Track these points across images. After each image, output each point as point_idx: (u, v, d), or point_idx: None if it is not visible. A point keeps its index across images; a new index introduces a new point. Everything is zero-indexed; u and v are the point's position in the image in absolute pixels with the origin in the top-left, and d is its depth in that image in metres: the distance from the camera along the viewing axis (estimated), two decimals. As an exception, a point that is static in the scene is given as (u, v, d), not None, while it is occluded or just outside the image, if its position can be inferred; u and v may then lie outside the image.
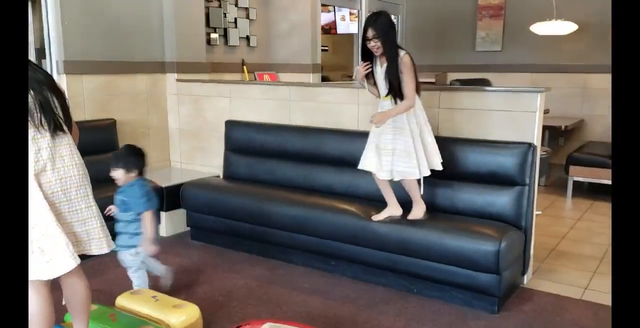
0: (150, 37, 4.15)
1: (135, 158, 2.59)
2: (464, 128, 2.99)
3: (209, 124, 4.16)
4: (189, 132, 4.34)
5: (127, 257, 2.59)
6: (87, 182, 1.86)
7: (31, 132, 1.68)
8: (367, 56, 2.72)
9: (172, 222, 3.79)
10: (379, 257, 2.86)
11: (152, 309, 2.27)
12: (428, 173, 2.72)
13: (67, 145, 1.79)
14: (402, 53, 2.64)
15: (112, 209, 2.63)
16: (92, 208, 1.86)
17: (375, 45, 2.62)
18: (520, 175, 2.76)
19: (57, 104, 1.76)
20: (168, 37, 4.22)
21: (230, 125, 3.84)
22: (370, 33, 2.62)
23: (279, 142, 3.59)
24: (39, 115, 1.68)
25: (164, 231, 3.76)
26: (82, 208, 1.81)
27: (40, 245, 1.68)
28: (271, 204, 3.24)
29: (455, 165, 2.88)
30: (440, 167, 2.76)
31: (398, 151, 2.68)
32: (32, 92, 1.68)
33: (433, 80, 6.02)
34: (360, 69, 2.73)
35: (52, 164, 1.71)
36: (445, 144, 2.86)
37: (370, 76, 2.76)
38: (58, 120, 1.74)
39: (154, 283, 2.75)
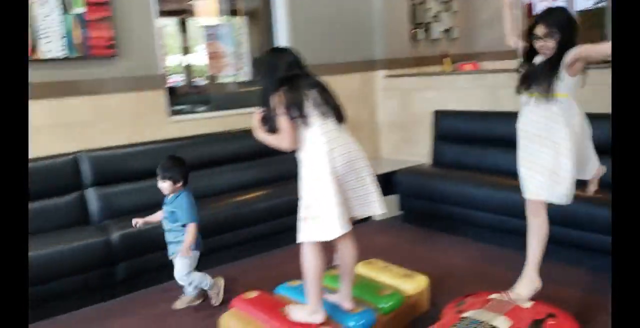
0: (361, 39, 4.57)
1: (181, 168, 2.64)
2: None
3: (415, 115, 4.41)
4: (396, 124, 4.64)
5: (183, 262, 2.67)
6: (365, 156, 2.22)
7: (319, 119, 2.11)
8: (530, 56, 2.30)
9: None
10: (593, 240, 2.79)
11: (386, 277, 2.57)
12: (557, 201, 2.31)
13: (345, 129, 2.20)
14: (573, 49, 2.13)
15: (139, 222, 2.72)
16: (371, 177, 2.21)
17: (545, 45, 2.16)
18: None
19: (329, 99, 2.17)
20: (377, 37, 4.60)
21: (439, 115, 4.03)
22: (541, 30, 2.14)
23: (487, 129, 3.67)
24: (321, 107, 2.12)
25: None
26: (365, 175, 2.18)
27: (315, 212, 2.08)
28: (481, 189, 3.35)
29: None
30: (587, 177, 2.46)
31: (538, 167, 2.34)
32: (314, 90, 2.14)
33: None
34: None
35: (338, 142, 2.12)
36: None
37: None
38: (332, 110, 2.15)
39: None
